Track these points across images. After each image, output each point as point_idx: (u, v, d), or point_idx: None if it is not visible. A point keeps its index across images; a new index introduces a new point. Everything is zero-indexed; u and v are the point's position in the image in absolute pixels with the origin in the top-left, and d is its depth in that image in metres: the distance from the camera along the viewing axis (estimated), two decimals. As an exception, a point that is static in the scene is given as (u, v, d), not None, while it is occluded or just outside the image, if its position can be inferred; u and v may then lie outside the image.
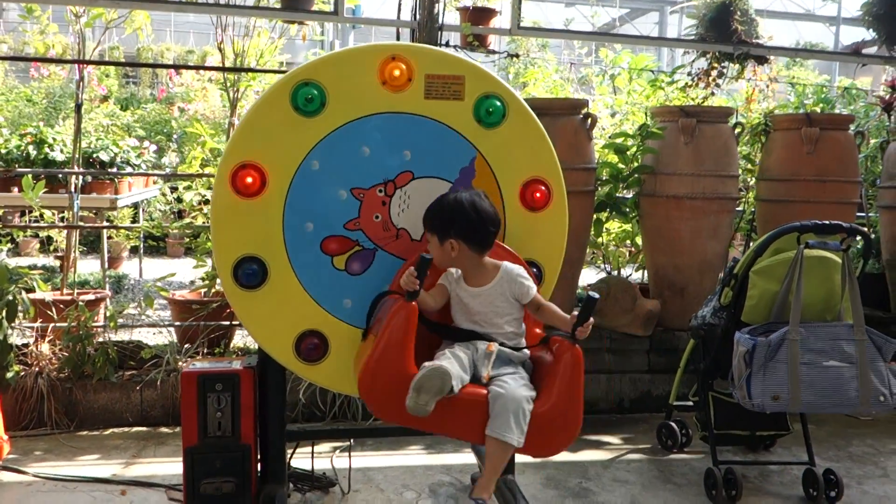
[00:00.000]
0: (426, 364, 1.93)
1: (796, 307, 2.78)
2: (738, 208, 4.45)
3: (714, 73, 4.32)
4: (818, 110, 4.75)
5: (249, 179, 2.22)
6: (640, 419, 3.90)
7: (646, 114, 4.32)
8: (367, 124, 2.26)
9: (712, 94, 4.47)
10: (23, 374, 3.43)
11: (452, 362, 1.99)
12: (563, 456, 3.38)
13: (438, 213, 2.14)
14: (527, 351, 2.16)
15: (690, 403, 3.41)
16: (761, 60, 4.37)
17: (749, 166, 4.61)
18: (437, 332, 2.17)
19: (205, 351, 3.65)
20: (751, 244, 3.25)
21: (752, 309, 2.95)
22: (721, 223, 4.01)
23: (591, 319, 2.03)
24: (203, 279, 3.88)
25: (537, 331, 2.25)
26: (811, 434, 3.17)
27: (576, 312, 2.04)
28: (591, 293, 2.02)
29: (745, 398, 2.80)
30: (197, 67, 10.11)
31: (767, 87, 4.60)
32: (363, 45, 2.28)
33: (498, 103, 2.32)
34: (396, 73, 2.24)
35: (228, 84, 4.13)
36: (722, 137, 3.96)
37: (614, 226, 4.53)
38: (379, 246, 2.29)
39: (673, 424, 3.48)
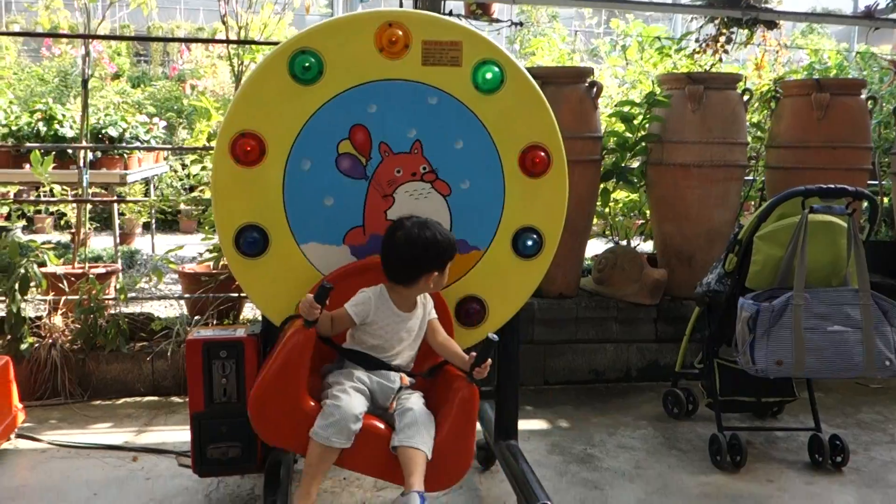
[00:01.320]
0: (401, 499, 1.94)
1: (800, 272, 2.76)
2: (747, 176, 4.42)
3: (722, 38, 4.27)
4: (830, 76, 4.69)
5: (248, 148, 2.23)
6: (647, 388, 3.91)
7: (653, 82, 4.29)
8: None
9: (720, 60, 4.42)
10: (36, 345, 3.48)
11: (354, 399, 2.03)
12: (569, 423, 3.40)
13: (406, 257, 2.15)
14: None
15: (696, 371, 3.41)
16: (771, 25, 4.31)
17: (759, 133, 4.57)
18: (347, 356, 2.19)
19: (214, 322, 3.69)
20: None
21: (756, 275, 2.94)
22: (729, 191, 3.98)
23: (489, 361, 2.07)
24: (211, 251, 3.92)
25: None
26: (819, 402, 3.17)
27: (474, 354, 2.09)
28: (491, 335, 2.07)
29: (748, 364, 2.81)
30: (198, 40, 10.12)
31: (777, 52, 4.55)
32: (359, 11, 2.28)
33: (496, 69, 2.31)
34: (393, 39, 2.24)
35: (233, 57, 4.14)
36: (730, 104, 3.93)
37: (621, 195, 4.51)
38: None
39: (679, 392, 3.49)
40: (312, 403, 2.04)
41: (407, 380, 2.18)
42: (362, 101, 2.26)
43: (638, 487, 2.81)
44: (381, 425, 2.07)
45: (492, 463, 2.90)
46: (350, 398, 2.03)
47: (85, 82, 4.10)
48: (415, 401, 2.12)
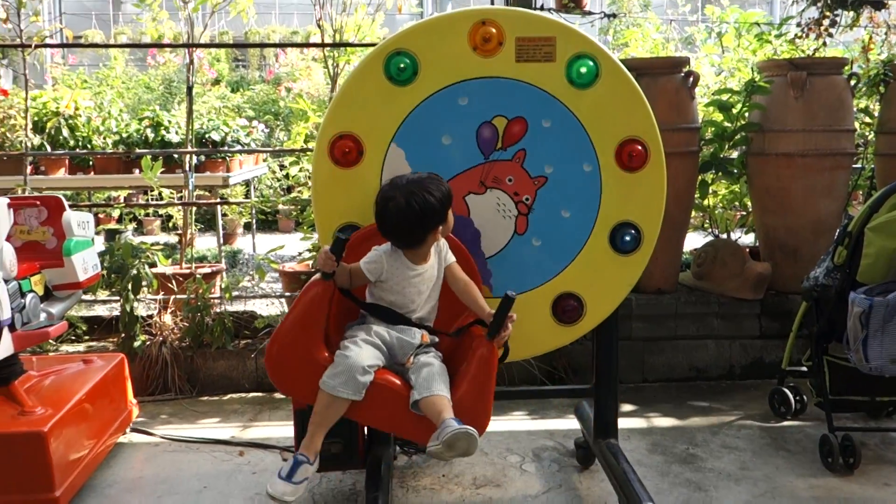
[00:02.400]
0: (455, 425, 1.91)
1: (917, 265, 2.63)
2: (855, 165, 4.23)
3: (826, 22, 4.09)
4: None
5: (347, 149, 2.28)
6: (751, 385, 3.80)
7: (752, 69, 4.15)
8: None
9: (824, 45, 4.24)
10: (148, 343, 3.65)
11: (364, 351, 2.02)
12: (670, 422, 3.34)
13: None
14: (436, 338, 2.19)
15: (804, 369, 3.28)
16: (878, 6, 4.10)
17: (867, 119, 4.36)
18: (368, 309, 2.17)
19: (314, 320, 3.77)
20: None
21: (868, 268, 2.81)
22: (836, 181, 3.82)
23: (510, 328, 2.04)
24: (310, 251, 4.01)
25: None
26: (937, 399, 3.01)
27: (492, 312, 2.06)
28: (509, 292, 2.03)
29: (861, 361, 2.69)
30: (295, 45, 10.34)
31: (886, 34, 4.33)
32: (453, 11, 2.29)
33: (591, 63, 2.28)
34: (487, 37, 2.24)
35: (328, 60, 4.23)
36: (835, 90, 3.76)
37: (721, 187, 4.38)
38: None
39: (786, 390, 3.37)
40: (327, 355, 2.05)
41: (428, 337, 2.16)
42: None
43: (744, 490, 2.73)
44: (398, 381, 2.06)
45: (591, 462, 2.87)
46: (360, 350, 2.02)
47: (189, 89, 4.27)
48: (431, 358, 2.11)
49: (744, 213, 4.53)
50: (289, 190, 7.29)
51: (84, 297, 3.83)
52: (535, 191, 2.32)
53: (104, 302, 4.04)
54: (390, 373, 2.08)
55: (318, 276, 2.08)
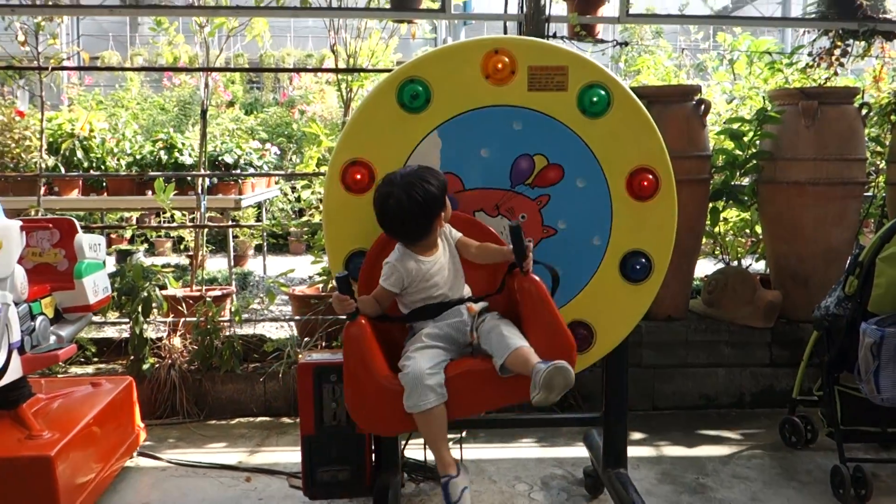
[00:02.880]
0: (544, 367, 1.91)
1: (929, 296, 2.62)
2: (867, 193, 4.22)
3: (837, 52, 4.10)
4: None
5: (359, 176, 2.29)
6: (761, 414, 3.77)
7: (764, 98, 4.16)
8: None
9: (836, 74, 4.24)
10: (157, 366, 3.65)
11: (420, 359, 2.03)
12: (679, 451, 3.31)
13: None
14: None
15: (815, 398, 3.26)
16: (889, 37, 4.11)
17: (878, 148, 4.36)
18: (408, 319, 2.17)
19: (323, 344, 3.78)
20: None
21: (879, 298, 2.80)
22: (847, 209, 3.81)
23: (531, 247, 2.06)
24: (320, 274, 4.02)
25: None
26: (950, 431, 2.98)
27: (510, 247, 2.08)
28: (510, 222, 2.09)
29: (873, 392, 2.67)
30: (309, 70, 10.43)
31: (898, 64, 4.34)
32: (466, 40, 2.31)
33: (602, 92, 2.29)
34: (500, 66, 2.26)
35: (342, 84, 4.26)
36: (847, 119, 3.77)
37: (732, 214, 4.38)
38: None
39: (797, 420, 3.34)
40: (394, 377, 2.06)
41: (474, 307, 2.15)
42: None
43: (754, 520, 2.71)
44: (472, 361, 2.07)
45: (599, 491, 2.85)
46: (415, 361, 2.03)
47: (203, 113, 4.30)
48: (492, 321, 2.11)
49: (754, 239, 4.52)
50: (300, 213, 7.32)
51: (94, 318, 3.84)
52: (540, 238, 2.34)
53: (114, 324, 4.06)
54: (464, 359, 2.09)
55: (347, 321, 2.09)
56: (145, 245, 7.45)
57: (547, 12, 3.77)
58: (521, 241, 2.04)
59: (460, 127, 2.29)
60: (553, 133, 2.30)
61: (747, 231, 4.48)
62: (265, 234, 6.92)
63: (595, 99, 2.29)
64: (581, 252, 2.36)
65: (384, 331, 2.16)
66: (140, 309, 3.65)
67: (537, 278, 2.10)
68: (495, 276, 2.22)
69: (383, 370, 2.06)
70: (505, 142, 2.31)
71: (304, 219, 4.76)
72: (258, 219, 7.37)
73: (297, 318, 3.98)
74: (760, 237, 4.25)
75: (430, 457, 2.95)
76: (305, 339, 3.84)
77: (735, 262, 4.53)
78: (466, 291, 2.22)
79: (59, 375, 3.66)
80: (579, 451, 3.21)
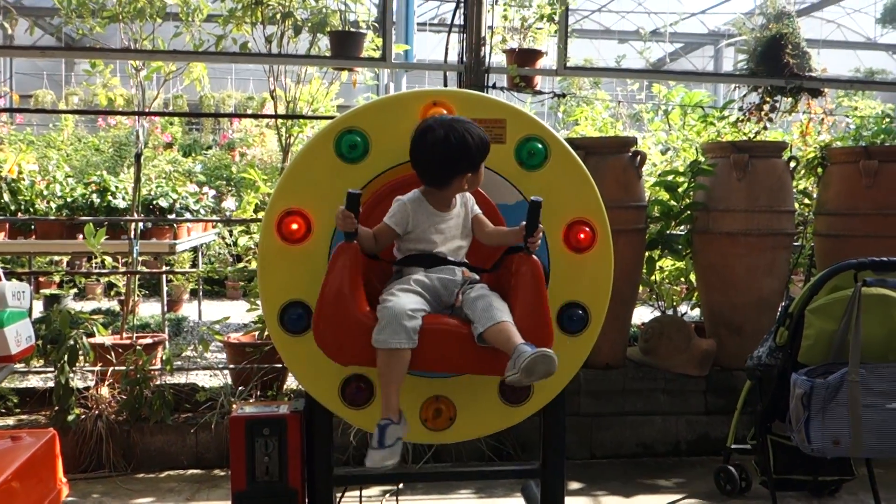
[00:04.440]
0: (530, 351, 1.90)
1: (855, 347, 2.68)
2: (796, 244, 4.35)
3: (766, 107, 4.25)
4: (877, 142, 4.62)
5: (295, 226, 2.26)
6: (697, 462, 3.80)
7: (697, 150, 4.27)
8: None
9: (765, 128, 4.40)
10: (83, 416, 3.51)
11: (404, 297, 2.01)
12: (617, 501, 3.31)
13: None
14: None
15: (749, 447, 3.30)
16: (815, 93, 4.29)
17: (806, 201, 4.50)
18: (402, 264, 2.16)
19: (258, 393, 3.69)
20: (810, 280, 3.18)
21: (809, 349, 2.86)
22: (778, 259, 3.91)
23: (541, 227, 2.06)
24: (256, 322, 3.94)
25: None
26: (879, 479, 3.04)
27: (524, 223, 2.07)
28: (535, 197, 2.06)
29: (803, 442, 2.72)
30: (247, 116, 10.37)
31: (822, 120, 4.51)
32: (405, 91, 2.33)
33: (539, 145, 2.32)
34: (438, 118, 2.27)
35: (281, 130, 4.23)
36: (776, 172, 3.89)
37: (667, 263, 4.46)
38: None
39: (731, 468, 3.37)
40: (371, 313, 2.03)
41: (469, 273, 2.14)
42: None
43: (691, 572, 2.70)
44: (452, 320, 2.05)
45: (538, 544, 2.81)
46: (398, 298, 2.00)
47: (138, 156, 4.22)
48: (481, 290, 2.08)
49: (689, 288, 4.60)
50: (238, 258, 7.21)
51: (18, 367, 3.68)
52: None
53: (38, 373, 3.91)
54: (442, 316, 2.05)
55: (341, 244, 2.05)
56: (75, 290, 7.22)
57: (487, 63, 3.83)
58: (537, 216, 2.04)
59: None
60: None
61: (682, 279, 4.55)
62: (200, 279, 6.79)
63: (532, 152, 2.32)
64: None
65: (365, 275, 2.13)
66: (66, 358, 3.52)
67: (538, 261, 2.10)
68: (491, 258, 2.23)
69: (362, 301, 2.03)
70: None
71: (241, 265, 4.69)
72: (194, 263, 7.23)
73: (231, 366, 3.89)
74: (695, 285, 4.33)
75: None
76: (240, 387, 3.75)
77: (671, 310, 4.60)
78: (460, 256, 2.20)
79: (-23, 428, 3.49)
80: (517, 502, 3.18)
